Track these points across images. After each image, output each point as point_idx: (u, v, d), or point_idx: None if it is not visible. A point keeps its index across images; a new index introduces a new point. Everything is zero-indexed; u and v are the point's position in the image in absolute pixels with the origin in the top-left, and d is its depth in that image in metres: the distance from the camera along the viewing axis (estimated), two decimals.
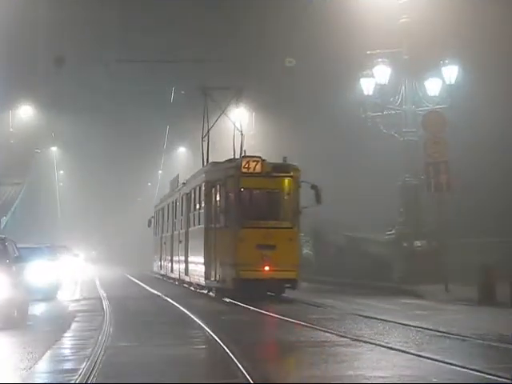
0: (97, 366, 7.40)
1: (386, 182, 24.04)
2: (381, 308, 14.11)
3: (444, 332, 9.90)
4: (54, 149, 56.65)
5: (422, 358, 7.67)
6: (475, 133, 23.82)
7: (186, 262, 21.29)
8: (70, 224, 66.94)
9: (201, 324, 11.20)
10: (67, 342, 9.73)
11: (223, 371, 7.29)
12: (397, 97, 20.88)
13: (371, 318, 12.14)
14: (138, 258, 46.67)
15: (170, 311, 14.50)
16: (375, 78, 20.39)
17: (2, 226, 33.61)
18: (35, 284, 15.53)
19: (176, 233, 23.98)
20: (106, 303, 15.88)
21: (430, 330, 10.22)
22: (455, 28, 21.11)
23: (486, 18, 22.23)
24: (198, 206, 19.80)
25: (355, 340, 9.17)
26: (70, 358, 8.31)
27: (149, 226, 33.06)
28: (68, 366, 7.80)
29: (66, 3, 36.43)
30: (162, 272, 28.39)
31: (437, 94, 20.46)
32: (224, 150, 23.14)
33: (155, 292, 20.15)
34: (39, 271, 16.64)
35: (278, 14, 28.47)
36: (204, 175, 19.04)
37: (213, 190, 18.00)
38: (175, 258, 24.07)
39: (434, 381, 6.55)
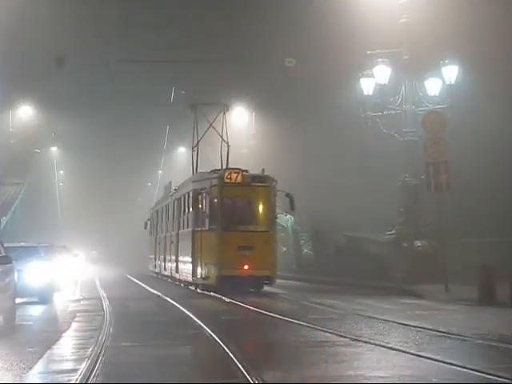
0: (97, 366, 7.40)
1: (386, 182, 24.04)
2: (381, 308, 14.11)
3: (444, 332, 9.90)
4: (54, 149, 56.67)
5: (421, 358, 7.67)
6: (475, 133, 23.82)
7: (177, 261, 23.54)
8: (70, 224, 66.95)
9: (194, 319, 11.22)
10: (67, 342, 9.73)
11: (220, 365, 7.29)
12: (397, 97, 20.88)
13: (371, 317, 12.15)
14: (138, 257, 46.69)
15: (171, 311, 14.52)
16: (375, 78, 20.38)
17: (2, 226, 33.59)
18: (28, 286, 15.03)
19: (168, 234, 26.14)
20: (106, 303, 15.88)
21: (430, 329, 10.23)
22: (455, 28, 21.11)
23: (485, 17, 22.23)
24: (186, 211, 22.01)
25: (355, 340, 9.17)
26: (69, 358, 8.31)
27: (145, 227, 35.19)
28: (68, 366, 7.79)
29: (66, 3, 36.44)
30: (157, 270, 30.20)
31: (437, 94, 20.47)
32: (218, 153, 24.90)
33: (151, 290, 20.66)
34: (32, 272, 15.83)
35: (278, 14, 28.48)
36: (192, 184, 21.36)
37: (199, 197, 20.16)
38: (167, 258, 26.19)
39: (434, 381, 6.55)
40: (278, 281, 27.24)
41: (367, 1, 20.84)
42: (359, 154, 30.44)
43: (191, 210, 20.94)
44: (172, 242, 24.92)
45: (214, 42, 37.64)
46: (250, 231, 19.47)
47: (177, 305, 15.26)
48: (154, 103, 48.00)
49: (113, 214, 71.72)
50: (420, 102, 20.75)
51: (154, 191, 55.93)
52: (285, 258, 35.28)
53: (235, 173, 19.69)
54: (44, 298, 16.33)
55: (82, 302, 17.00)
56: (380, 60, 20.25)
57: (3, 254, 11.97)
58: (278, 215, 20.17)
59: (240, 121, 43.76)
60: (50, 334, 10.44)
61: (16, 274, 12.40)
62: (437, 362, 7.40)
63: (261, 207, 20.13)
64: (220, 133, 24.46)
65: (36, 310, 14.57)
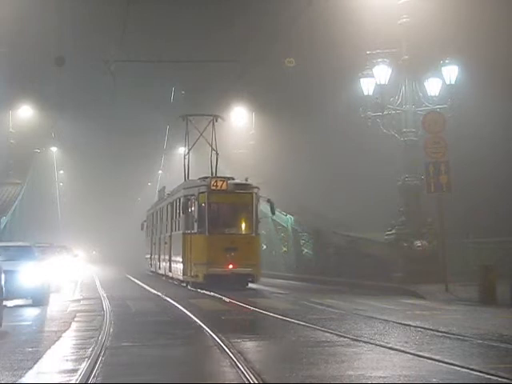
0: (97, 366, 7.40)
1: (386, 181, 24.04)
2: (381, 308, 14.11)
3: (444, 332, 9.91)
4: (54, 149, 56.68)
5: (421, 358, 7.67)
6: (475, 133, 23.84)
7: (170, 260, 25.63)
8: (71, 224, 66.99)
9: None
10: (67, 342, 9.72)
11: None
12: (397, 97, 20.86)
13: (371, 317, 12.16)
14: (137, 257, 46.72)
15: (171, 311, 14.53)
16: (375, 78, 20.37)
17: (2, 226, 33.58)
18: (19, 287, 14.57)
19: (162, 236, 28.35)
20: (106, 303, 15.89)
21: (430, 329, 10.23)
22: (455, 28, 21.12)
23: (485, 17, 22.24)
24: (178, 215, 23.96)
25: (355, 340, 9.17)
26: (69, 358, 8.30)
27: (142, 229, 37.35)
28: (68, 366, 7.79)
29: (65, 3, 36.44)
30: (152, 269, 32.26)
31: (437, 94, 20.45)
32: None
33: (151, 290, 20.89)
34: (25, 273, 15.11)
35: (278, 14, 28.45)
36: (182, 190, 23.41)
37: (189, 202, 22.24)
38: (162, 257, 28.35)
39: (434, 381, 6.55)
40: (279, 281, 27.49)
41: (367, 1, 20.82)
42: (359, 154, 30.45)
43: (182, 214, 22.81)
44: (165, 243, 26.93)
45: (214, 42, 37.63)
46: (234, 234, 21.70)
47: (177, 305, 15.26)
48: (154, 103, 48.02)
49: (113, 213, 71.78)
50: (420, 102, 20.73)
51: (154, 191, 55.94)
52: (285, 258, 35.30)
53: (221, 181, 21.93)
54: (38, 300, 15.53)
55: (81, 302, 17.00)
56: (380, 60, 20.23)
57: None
58: (264, 218, 22.45)
59: (240, 121, 43.77)
60: (50, 333, 10.44)
61: (3, 275, 11.45)
62: (437, 362, 7.41)
63: (244, 212, 22.10)
64: (210, 142, 26.32)
65: (36, 310, 14.57)
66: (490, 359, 7.83)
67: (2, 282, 11.40)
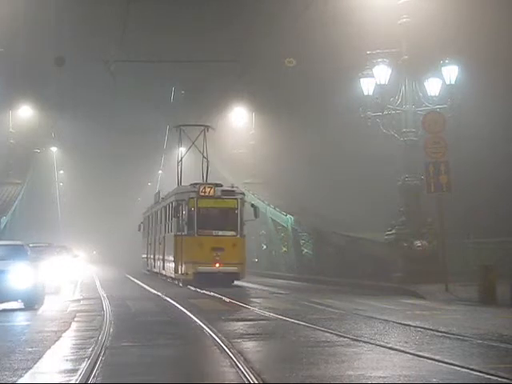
0: (97, 366, 7.40)
1: (386, 182, 24.03)
2: (381, 308, 14.11)
3: (444, 332, 9.91)
4: (54, 149, 56.69)
5: (421, 358, 7.67)
6: (475, 133, 23.83)
7: (163, 260, 27.82)
8: (71, 224, 66.97)
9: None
10: (67, 342, 9.72)
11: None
12: (397, 97, 20.85)
13: (371, 317, 12.16)
14: (137, 257, 46.75)
15: (172, 311, 14.54)
16: (375, 78, 20.35)
17: (2, 226, 33.58)
18: (8, 289, 14.01)
19: (157, 237, 30.47)
20: (106, 303, 15.88)
21: (430, 329, 10.23)
22: (455, 28, 21.11)
23: (485, 17, 22.24)
24: (170, 218, 25.95)
25: (355, 340, 9.17)
26: (69, 358, 8.30)
27: (139, 230, 39.24)
28: (68, 366, 7.78)
29: (65, 3, 36.44)
30: (148, 268, 34.23)
31: (437, 94, 20.44)
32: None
33: (151, 290, 20.81)
34: (14, 273, 14.28)
35: (278, 15, 28.46)
36: (174, 195, 25.45)
37: (180, 207, 24.18)
38: (156, 257, 30.42)
39: (434, 381, 6.55)
40: (279, 281, 27.53)
41: (367, 1, 20.81)
42: (359, 154, 30.45)
43: (174, 217, 24.80)
44: (160, 244, 29.19)
45: (214, 42, 37.63)
46: (221, 235, 23.53)
47: (177, 305, 15.27)
48: (154, 103, 48.03)
49: (113, 214, 71.74)
50: (420, 102, 20.71)
51: (154, 191, 55.91)
52: (285, 258, 35.29)
53: (209, 187, 23.85)
54: (29, 303, 14.61)
55: (81, 302, 16.98)
56: (380, 60, 20.21)
57: None
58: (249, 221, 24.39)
59: (240, 121, 43.76)
60: (50, 333, 10.44)
61: None
62: (437, 362, 7.40)
63: (229, 216, 23.85)
64: (202, 150, 28.24)
65: (36, 310, 14.56)
66: (490, 359, 7.83)
67: None
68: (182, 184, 27.60)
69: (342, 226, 28.38)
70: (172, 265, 24.97)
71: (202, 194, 23.59)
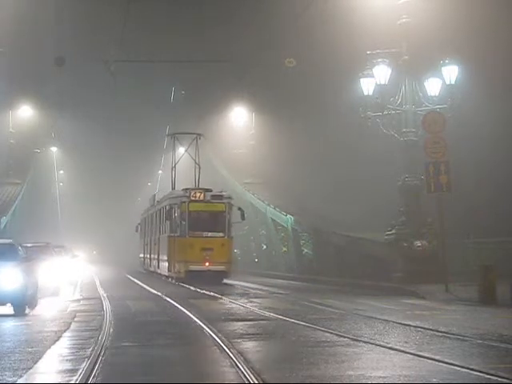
0: (97, 366, 7.40)
1: (386, 182, 24.03)
2: (381, 308, 14.11)
3: (444, 332, 9.91)
4: (54, 149, 56.67)
5: (421, 358, 7.67)
6: (475, 133, 23.83)
7: (158, 259, 29.79)
8: (71, 224, 66.89)
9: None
10: (67, 342, 9.71)
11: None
12: (397, 97, 20.85)
13: (371, 317, 12.16)
14: (136, 257, 46.81)
15: (172, 311, 14.55)
16: (375, 78, 20.35)
17: (2, 226, 33.58)
18: None
19: (152, 238, 32.52)
20: (106, 303, 15.87)
21: (430, 329, 10.23)
22: (455, 28, 21.11)
23: (485, 17, 22.23)
24: (164, 221, 27.88)
25: (355, 340, 9.17)
26: (69, 357, 8.30)
27: (136, 231, 40.94)
28: (68, 366, 7.78)
29: (65, 3, 36.43)
30: (145, 267, 36.04)
31: (437, 94, 20.44)
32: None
33: (147, 287, 21.47)
34: (1, 275, 13.15)
35: (278, 15, 28.47)
36: (168, 200, 27.52)
37: (173, 210, 26.09)
38: (152, 257, 32.47)
39: (434, 381, 6.55)
40: (279, 281, 27.54)
41: (367, 1, 20.81)
42: (359, 154, 30.45)
43: (167, 219, 26.77)
44: (155, 245, 31.22)
45: (214, 42, 37.64)
46: (210, 237, 25.27)
47: (177, 305, 15.26)
48: (154, 103, 48.02)
49: (113, 214, 71.70)
50: (420, 102, 20.72)
51: (154, 191, 55.92)
52: (285, 258, 35.30)
53: (199, 192, 25.74)
54: (18, 307, 13.41)
55: (81, 302, 16.97)
56: (380, 60, 20.21)
57: None
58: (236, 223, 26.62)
59: (240, 121, 43.76)
60: (50, 333, 10.43)
61: None
62: (437, 362, 7.40)
63: (218, 218, 25.58)
64: (194, 157, 30.36)
65: (36, 310, 14.55)
66: (490, 359, 7.82)
67: None
68: (178, 186, 29.27)
69: (342, 226, 28.39)
70: (166, 264, 26.93)
71: (193, 198, 25.43)
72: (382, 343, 8.82)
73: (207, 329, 10.48)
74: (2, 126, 42.84)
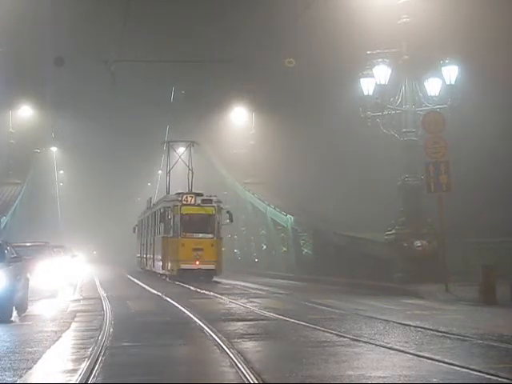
0: (97, 366, 7.40)
1: (386, 181, 24.02)
2: (381, 308, 14.11)
3: (444, 332, 9.91)
4: (54, 149, 56.66)
5: (421, 358, 7.67)
6: (475, 133, 23.83)
7: (154, 258, 31.99)
8: (71, 224, 66.88)
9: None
10: (67, 342, 9.72)
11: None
12: (397, 97, 20.84)
13: (371, 317, 12.16)
14: (134, 257, 46.96)
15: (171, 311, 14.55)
16: (375, 78, 20.34)
17: (2, 226, 33.57)
18: None
19: (148, 239, 34.87)
20: (106, 303, 15.87)
21: (430, 329, 10.23)
22: (455, 28, 21.10)
23: (485, 17, 22.22)
24: (159, 222, 29.88)
25: (355, 340, 9.17)
26: (69, 358, 8.30)
27: (133, 232, 42.91)
28: (68, 366, 7.78)
29: (65, 3, 36.40)
30: (142, 266, 37.89)
31: (437, 94, 20.43)
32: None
33: (146, 287, 20.81)
34: None
35: (278, 15, 28.47)
36: (162, 203, 29.96)
37: (167, 213, 28.30)
38: (148, 256, 34.53)
39: (434, 381, 6.55)
40: (279, 281, 27.55)
41: (367, 1, 20.80)
42: (359, 154, 30.44)
43: (161, 221, 28.92)
44: (150, 245, 33.45)
45: (214, 42, 37.64)
46: (201, 238, 27.21)
47: (177, 305, 15.27)
48: (154, 103, 47.99)
49: (113, 214, 71.71)
50: (420, 102, 20.71)
51: (153, 191, 55.91)
52: (285, 258, 35.29)
53: (190, 196, 27.78)
54: (2, 313, 12.11)
55: (81, 302, 16.97)
56: (380, 60, 20.20)
57: None
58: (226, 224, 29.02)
59: (240, 121, 43.75)
60: (50, 333, 10.43)
61: None
62: (437, 362, 7.41)
63: (208, 221, 27.47)
64: (187, 163, 32.57)
65: (36, 310, 14.55)
66: (490, 359, 7.82)
67: None
68: (177, 187, 31.79)
69: (342, 226, 28.38)
70: (160, 263, 29.12)
71: (185, 202, 27.46)
72: (382, 343, 8.82)
73: (207, 329, 10.48)
74: (2, 125, 42.82)
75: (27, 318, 13.14)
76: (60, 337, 10.04)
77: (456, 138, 19.81)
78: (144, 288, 22.93)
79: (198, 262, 26.64)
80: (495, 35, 22.67)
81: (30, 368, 7.48)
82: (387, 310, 13.75)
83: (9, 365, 7.67)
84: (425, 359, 7.62)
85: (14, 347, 9.10)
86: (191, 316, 12.64)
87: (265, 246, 39.96)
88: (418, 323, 10.96)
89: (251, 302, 16.09)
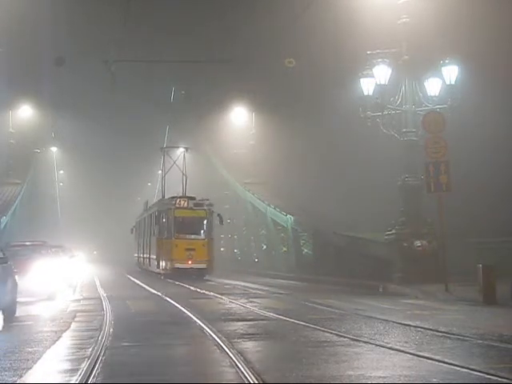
0: (97, 366, 7.40)
1: (386, 181, 24.01)
2: (381, 308, 14.11)
3: (444, 332, 9.91)
4: (54, 149, 56.63)
5: (421, 358, 7.67)
6: (476, 133, 23.83)
7: (149, 258, 34.10)
8: (71, 224, 66.86)
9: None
10: (67, 342, 9.72)
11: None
12: (397, 97, 20.83)
13: (371, 317, 12.16)
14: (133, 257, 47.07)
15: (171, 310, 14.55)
16: (375, 78, 20.33)
17: (2, 226, 33.57)
18: None
19: (145, 239, 36.86)
20: (106, 303, 15.87)
21: (430, 329, 10.23)
22: (455, 28, 21.09)
23: (485, 17, 22.22)
24: (154, 224, 31.85)
25: (355, 340, 9.17)
26: (69, 357, 8.30)
27: (131, 232, 44.77)
28: (68, 366, 7.78)
29: (65, 3, 36.39)
30: (139, 265, 39.97)
31: (437, 94, 20.42)
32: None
33: (146, 287, 20.67)
34: None
35: (279, 15, 28.46)
36: (157, 206, 32.52)
37: (161, 215, 30.36)
38: (145, 256, 36.67)
39: (434, 381, 6.55)
40: (279, 281, 27.57)
41: (367, 1, 20.79)
42: (359, 154, 30.43)
43: (156, 223, 30.89)
44: (147, 245, 35.47)
45: (214, 42, 37.63)
46: (193, 239, 29.13)
47: (177, 305, 15.27)
48: (154, 103, 47.99)
49: (113, 213, 71.69)
50: (420, 102, 20.69)
51: (153, 191, 55.94)
52: (285, 258, 35.28)
53: (183, 200, 29.80)
54: None
55: (81, 302, 16.96)
56: (380, 60, 20.18)
57: None
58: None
59: (240, 121, 43.74)
60: (50, 333, 10.43)
61: None
62: (437, 362, 7.41)
63: (200, 223, 29.43)
64: (181, 168, 34.94)
65: (36, 310, 14.55)
66: (490, 359, 7.82)
67: None
68: (175, 188, 33.99)
69: (341, 226, 28.38)
70: (155, 262, 31.12)
71: (178, 205, 29.44)
72: (382, 343, 8.82)
73: (207, 329, 10.48)
74: (2, 125, 42.84)
75: (27, 318, 13.14)
76: (60, 337, 10.04)
77: (456, 138, 19.80)
78: (144, 288, 22.93)
79: (190, 262, 28.39)
80: (495, 35, 22.67)
81: (30, 368, 7.48)
82: (387, 309, 13.75)
83: (9, 365, 7.67)
84: (425, 359, 7.62)
85: (14, 347, 9.10)
86: (191, 316, 12.65)
87: (265, 246, 39.96)
88: (418, 323, 10.96)
89: (251, 301, 16.09)
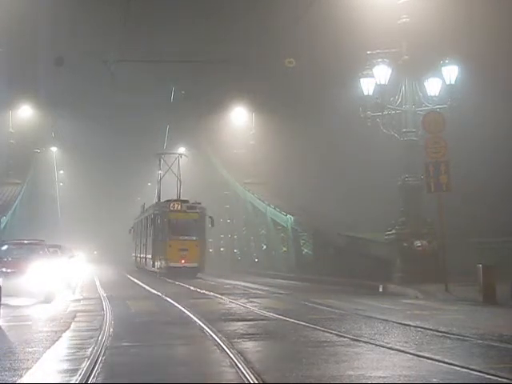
0: (97, 366, 7.40)
1: (386, 182, 24.01)
2: (381, 308, 14.11)
3: (444, 332, 9.91)
4: (54, 149, 56.62)
5: (421, 358, 7.67)
6: (476, 133, 23.82)
7: (146, 258, 36.54)
8: (71, 224, 66.82)
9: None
10: (67, 342, 9.71)
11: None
12: (397, 97, 20.83)
13: (371, 317, 12.16)
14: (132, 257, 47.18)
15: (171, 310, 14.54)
16: (375, 78, 20.33)
17: (2, 226, 33.57)
18: None
19: (142, 240, 39.06)
20: (106, 303, 15.87)
21: (430, 329, 10.23)
22: (455, 27, 21.10)
23: (485, 17, 22.23)
24: (150, 226, 34.15)
25: (355, 340, 9.17)
26: (69, 357, 8.30)
27: (129, 233, 46.41)
28: (68, 366, 7.78)
29: (65, 3, 36.40)
30: (137, 265, 42.15)
31: (437, 94, 20.42)
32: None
33: (146, 287, 20.57)
34: None
35: (279, 15, 28.47)
36: (153, 209, 34.80)
37: (156, 218, 32.69)
38: (142, 256, 39.02)
39: (434, 381, 6.55)
40: (279, 281, 27.58)
41: (367, 1, 20.79)
42: (359, 154, 30.43)
43: (152, 225, 33.17)
44: (143, 245, 37.82)
45: (214, 42, 37.61)
46: (186, 240, 31.16)
47: (177, 305, 15.27)
48: (154, 103, 47.98)
49: (113, 213, 71.65)
50: (420, 102, 20.70)
51: (153, 191, 55.84)
52: (285, 258, 35.27)
53: (177, 203, 32.33)
54: None
55: (82, 302, 16.95)
56: (380, 60, 20.19)
57: None
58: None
59: (240, 121, 43.74)
60: (50, 333, 10.43)
61: None
62: (437, 362, 7.40)
63: (193, 225, 31.52)
64: (176, 173, 37.55)
65: (36, 310, 14.55)
66: (490, 359, 7.82)
67: None
68: (175, 188, 36.22)
69: (342, 226, 28.38)
70: (151, 261, 33.31)
71: (172, 208, 31.80)
72: (382, 343, 8.82)
73: (207, 329, 10.48)
74: (2, 125, 42.83)
75: (27, 318, 13.13)
76: (60, 337, 10.03)
77: (456, 138, 19.80)
78: (144, 288, 22.93)
79: (183, 261, 30.57)
80: (495, 35, 22.67)
81: (30, 368, 7.48)
82: (387, 309, 13.75)
83: (9, 365, 7.67)
84: (425, 359, 7.62)
85: (14, 347, 9.10)
86: (191, 316, 12.64)
87: (265, 246, 39.96)
88: (417, 323, 10.96)
89: (251, 301, 16.09)
